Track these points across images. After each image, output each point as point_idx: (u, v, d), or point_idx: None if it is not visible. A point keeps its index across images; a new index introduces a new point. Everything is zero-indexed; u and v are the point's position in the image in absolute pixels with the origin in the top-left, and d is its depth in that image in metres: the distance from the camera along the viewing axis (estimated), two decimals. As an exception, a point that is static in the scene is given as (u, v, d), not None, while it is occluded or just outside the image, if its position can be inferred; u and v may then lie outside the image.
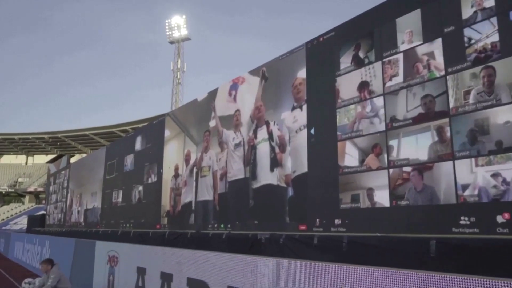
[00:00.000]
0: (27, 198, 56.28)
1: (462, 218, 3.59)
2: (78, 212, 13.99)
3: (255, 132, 6.29)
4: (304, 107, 5.51)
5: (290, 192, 5.52)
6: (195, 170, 7.74)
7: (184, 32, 53.80)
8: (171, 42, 54.88)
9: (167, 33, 54.69)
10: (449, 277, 2.60)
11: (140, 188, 9.80)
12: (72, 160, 19.37)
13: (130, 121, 49.36)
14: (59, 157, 21.83)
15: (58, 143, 56.67)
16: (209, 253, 4.57)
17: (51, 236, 13.44)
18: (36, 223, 19.47)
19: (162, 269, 5.47)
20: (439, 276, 2.63)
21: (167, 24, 54.40)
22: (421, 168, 3.94)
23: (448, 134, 3.81)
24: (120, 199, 10.83)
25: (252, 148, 6.28)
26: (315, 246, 4.36)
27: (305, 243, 4.54)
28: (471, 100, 3.69)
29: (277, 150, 5.80)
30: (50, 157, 57.07)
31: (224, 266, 4.30)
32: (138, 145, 10.30)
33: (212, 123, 7.46)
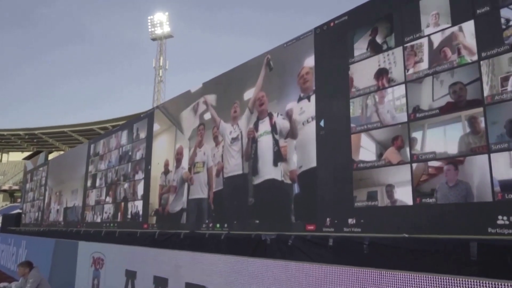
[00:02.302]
0: (1, 196, 54.48)
1: (499, 217, 3.24)
2: (57, 210, 13.28)
3: (256, 125, 5.85)
4: (312, 97, 5.10)
5: (296, 189, 5.11)
6: (187, 166, 7.26)
7: (166, 29, 53.18)
8: (154, 39, 54.14)
9: (150, 30, 53.95)
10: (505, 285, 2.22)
11: (126, 185, 9.25)
12: (51, 156, 18.52)
13: (110, 119, 48.30)
14: (36, 153, 20.91)
15: (35, 140, 55.05)
16: (212, 256, 4.11)
17: (28, 236, 12.70)
18: (11, 222, 18.56)
19: (155, 273, 4.98)
20: (494, 284, 2.25)
21: (149, 20, 53.61)
22: (456, 162, 3.56)
23: (482, 125, 3.45)
24: (103, 197, 10.23)
25: (253, 141, 5.84)
26: (330, 247, 3.94)
27: (319, 244, 4.13)
28: (509, 88, 3.33)
29: (281, 143, 5.38)
30: (26, 154, 55.45)
31: (231, 271, 3.85)
32: (124, 140, 9.74)
33: (207, 116, 7.00)
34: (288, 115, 5.38)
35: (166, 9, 53.66)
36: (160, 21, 52.99)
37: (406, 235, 3.52)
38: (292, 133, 5.26)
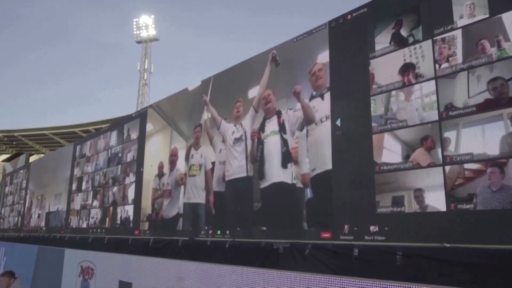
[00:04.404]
0: (-23, 200, 52.64)
1: (551, 225, 2.92)
2: (39, 215, 12.60)
3: (262, 125, 5.46)
4: (326, 95, 4.75)
5: (309, 193, 4.73)
6: (183, 168, 6.82)
7: (152, 32, 52.47)
8: (139, 42, 53.39)
9: (135, 33, 53.18)
10: None
11: (115, 189, 8.72)
12: (31, 159, 17.75)
13: (93, 121, 47.08)
14: (16, 155, 20.10)
15: (14, 143, 53.36)
16: (221, 267, 3.68)
17: (7, 242, 11.99)
18: (-12, 227, 17.66)
19: (155, 285, 4.52)
20: None
21: (134, 23, 52.87)
22: (501, 164, 3.23)
23: (528, 123, 3.15)
24: (90, 201, 9.67)
25: (258, 143, 5.45)
26: (355, 258, 3.56)
27: (341, 254, 3.74)
28: (560, 83, 3.04)
29: (292, 144, 5.00)
30: (5, 157, 53.67)
31: (245, 284, 3.43)
32: (113, 141, 9.22)
33: (205, 115, 6.57)
34: (296, 93, 5.01)
35: (152, 12, 53.02)
36: (146, 24, 52.30)
37: (447, 245, 3.16)
38: (307, 117, 4.86)
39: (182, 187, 6.74)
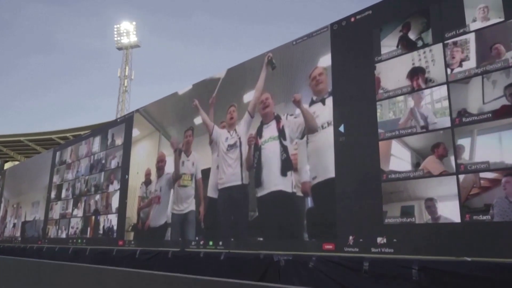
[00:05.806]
0: None
1: None
2: (14, 225, 12.00)
3: (259, 130, 5.22)
4: (328, 100, 4.56)
5: (310, 203, 4.51)
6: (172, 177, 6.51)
7: (133, 38, 51.85)
8: (119, 48, 52.66)
9: (116, 39, 52.44)
10: None
11: (97, 197, 8.32)
12: (6, 166, 17.05)
13: (71, 128, 45.94)
14: (-10, 162, 19.33)
15: (-13, 149, 51.73)
16: (228, 283, 3.39)
17: (-21, 253, 11.34)
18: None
19: (145, 301, 4.17)
20: None
21: (115, 29, 52.19)
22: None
23: (548, 131, 3.02)
24: (70, 210, 9.21)
25: (255, 149, 5.21)
26: (365, 272, 3.34)
27: (349, 268, 3.52)
28: None
29: (291, 150, 4.78)
30: (-23, 163, 51.73)
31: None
32: (96, 147, 8.82)
33: (197, 120, 6.30)
34: (296, 102, 4.82)
35: (134, 19, 52.46)
36: (127, 30, 51.69)
37: (469, 259, 2.98)
38: (309, 126, 4.65)
39: (172, 192, 6.43)
